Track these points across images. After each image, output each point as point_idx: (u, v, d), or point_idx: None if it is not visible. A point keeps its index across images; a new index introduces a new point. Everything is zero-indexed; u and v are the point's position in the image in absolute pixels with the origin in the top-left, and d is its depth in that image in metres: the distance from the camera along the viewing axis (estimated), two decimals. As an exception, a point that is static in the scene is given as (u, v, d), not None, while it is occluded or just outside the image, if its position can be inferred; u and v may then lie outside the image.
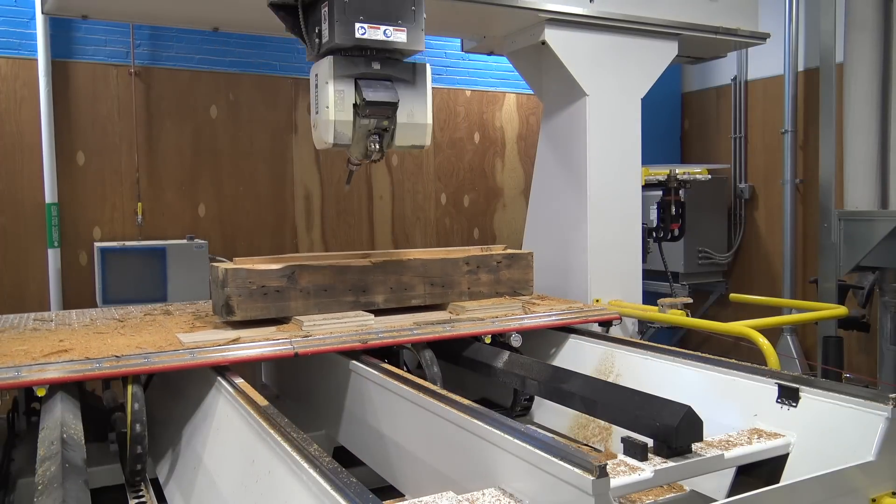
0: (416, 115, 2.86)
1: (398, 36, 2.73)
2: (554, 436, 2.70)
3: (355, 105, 2.72)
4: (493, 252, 3.60)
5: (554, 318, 3.31)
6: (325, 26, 2.72)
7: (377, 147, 2.79)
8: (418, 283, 3.33)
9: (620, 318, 3.51)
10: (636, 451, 1.86)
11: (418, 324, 3.04)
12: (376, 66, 2.77)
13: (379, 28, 2.70)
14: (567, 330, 3.32)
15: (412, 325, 3.01)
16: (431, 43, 6.18)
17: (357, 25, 2.66)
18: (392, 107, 2.76)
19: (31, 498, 1.70)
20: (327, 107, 2.69)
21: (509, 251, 3.65)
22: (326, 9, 2.69)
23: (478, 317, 3.19)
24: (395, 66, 2.82)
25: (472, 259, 3.49)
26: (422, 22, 2.81)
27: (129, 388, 2.46)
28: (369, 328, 2.94)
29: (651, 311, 3.57)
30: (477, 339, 3.08)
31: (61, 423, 2.11)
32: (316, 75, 2.79)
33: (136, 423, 2.40)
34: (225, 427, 2.38)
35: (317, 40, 2.77)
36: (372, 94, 2.71)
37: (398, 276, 3.28)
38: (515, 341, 3.08)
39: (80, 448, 1.99)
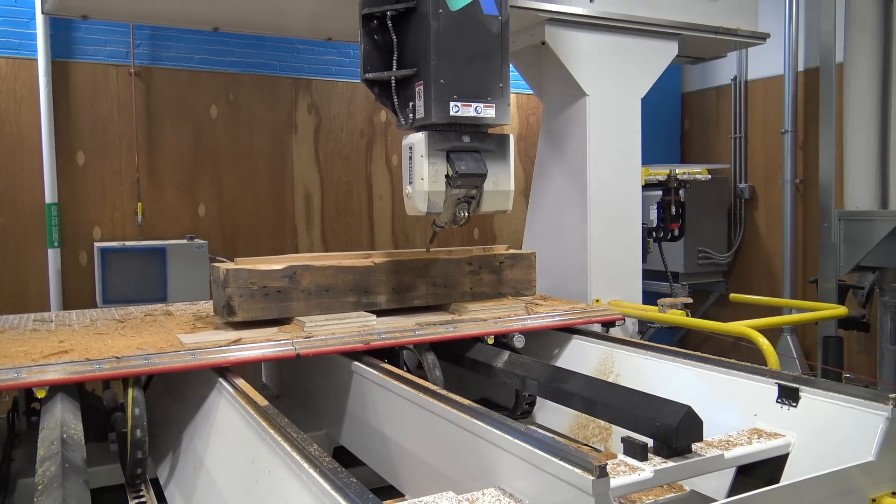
0: (501, 183, 3.07)
1: (487, 112, 2.95)
2: (554, 436, 2.69)
3: (447, 176, 2.92)
4: (495, 252, 3.60)
5: (557, 318, 3.31)
6: (419, 103, 2.91)
7: (465, 215, 3.01)
8: (420, 284, 3.33)
9: (623, 319, 3.51)
10: (636, 451, 1.86)
11: (420, 324, 3.04)
12: (466, 139, 2.97)
13: (470, 105, 2.91)
14: (569, 331, 3.31)
15: (414, 326, 3.01)
16: (431, 43, 6.18)
17: (451, 104, 2.86)
18: (481, 178, 2.97)
19: (31, 498, 1.70)
20: (422, 178, 2.89)
21: (512, 251, 3.65)
22: (422, 87, 2.89)
23: (480, 317, 3.19)
24: (482, 138, 3.02)
25: (474, 259, 3.49)
26: (508, 98, 3.01)
27: (130, 391, 2.45)
28: (371, 329, 2.94)
29: (651, 311, 3.57)
30: (479, 339, 3.07)
31: (61, 423, 2.11)
32: (410, 147, 2.96)
33: (136, 428, 2.39)
34: (225, 428, 2.37)
35: (410, 115, 2.96)
36: (464, 167, 2.91)
37: (400, 277, 3.28)
38: (518, 342, 3.08)
39: (80, 448, 1.99)
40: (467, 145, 2.97)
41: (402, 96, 3.01)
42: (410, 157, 2.96)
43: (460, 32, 2.88)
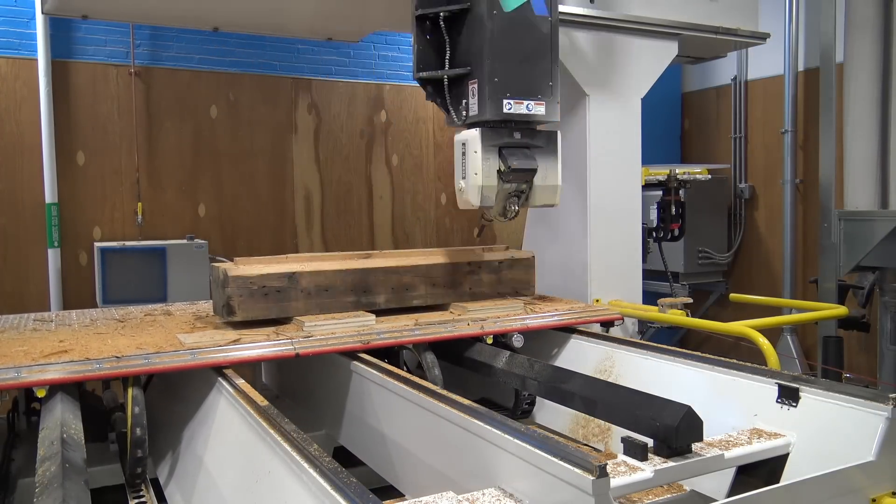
0: (549, 178, 3.14)
1: (538, 109, 3.04)
2: (554, 436, 2.69)
3: (499, 171, 3.01)
4: (494, 252, 3.60)
5: (556, 318, 3.31)
6: (472, 101, 3.01)
7: (515, 208, 3.10)
8: (420, 284, 3.33)
9: (622, 319, 3.51)
10: (636, 451, 1.86)
11: (420, 324, 3.04)
12: (517, 135, 3.06)
13: (522, 103, 3.00)
14: (569, 330, 3.32)
15: (414, 326, 3.01)
16: (431, 43, 6.18)
17: (505, 101, 2.95)
18: (532, 172, 3.06)
19: (31, 498, 1.70)
20: (476, 173, 2.98)
21: (511, 251, 3.65)
22: (476, 85, 2.99)
23: (479, 317, 3.19)
24: (532, 134, 3.11)
25: (473, 259, 3.49)
26: (557, 95, 3.11)
27: (130, 390, 2.45)
28: (370, 328, 2.94)
29: (651, 311, 3.57)
30: (478, 339, 3.08)
31: (61, 423, 2.11)
32: (463, 143, 3.05)
33: (136, 426, 2.39)
34: (225, 427, 2.38)
35: (463, 112, 3.05)
36: (516, 163, 3.00)
37: (399, 277, 3.28)
38: (517, 342, 3.08)
39: (80, 448, 1.99)
40: (518, 141, 3.06)
41: (455, 94, 3.11)
42: (464, 153, 3.05)
43: (513, 33, 2.98)
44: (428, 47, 3.10)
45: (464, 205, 3.09)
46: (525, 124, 3.08)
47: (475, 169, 2.99)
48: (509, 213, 3.11)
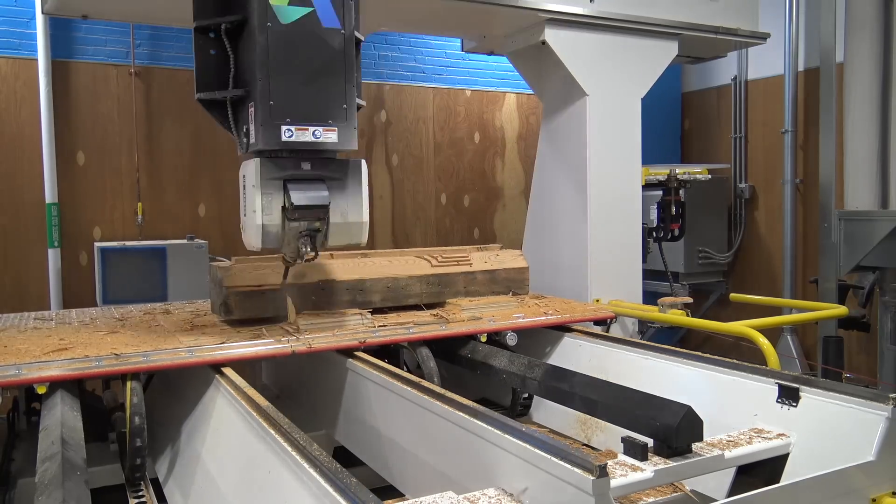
0: (350, 215, 2.73)
1: (329, 136, 2.60)
2: (554, 436, 2.69)
3: (284, 208, 2.61)
4: (489, 251, 3.62)
5: (549, 316, 3.32)
6: (251, 127, 2.60)
7: (307, 249, 2.66)
8: (416, 283, 3.34)
9: (615, 317, 3.51)
10: (636, 451, 1.86)
11: (415, 322, 3.04)
12: (306, 167, 2.65)
13: (307, 129, 2.57)
14: (562, 329, 3.32)
15: (409, 324, 3.02)
16: (431, 43, 6.18)
17: (284, 128, 2.53)
18: (323, 209, 2.66)
19: (31, 498, 1.70)
20: (254, 211, 2.59)
21: (505, 251, 3.67)
22: (252, 109, 2.58)
23: (474, 315, 3.20)
24: (326, 165, 2.69)
25: (468, 258, 3.50)
26: (354, 120, 2.67)
27: (129, 383, 2.46)
28: (366, 327, 2.95)
29: (651, 311, 3.57)
30: (473, 337, 3.08)
31: (61, 422, 2.11)
32: (244, 176, 2.68)
33: (135, 415, 2.40)
34: (224, 426, 2.38)
35: (244, 139, 2.66)
36: (300, 198, 2.60)
37: (395, 276, 3.29)
38: (511, 340, 3.09)
39: (80, 448, 1.99)
40: (308, 173, 2.64)
41: (240, 119, 2.70)
42: (244, 186, 2.67)
43: (294, 48, 2.55)
44: (210, 64, 2.68)
45: (248, 245, 2.69)
46: (315, 153, 2.65)
47: (254, 206, 2.58)
48: (304, 254, 2.67)
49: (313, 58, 2.58)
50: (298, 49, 2.56)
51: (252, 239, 2.64)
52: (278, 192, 2.60)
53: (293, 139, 2.54)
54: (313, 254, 2.70)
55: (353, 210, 2.73)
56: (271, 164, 2.60)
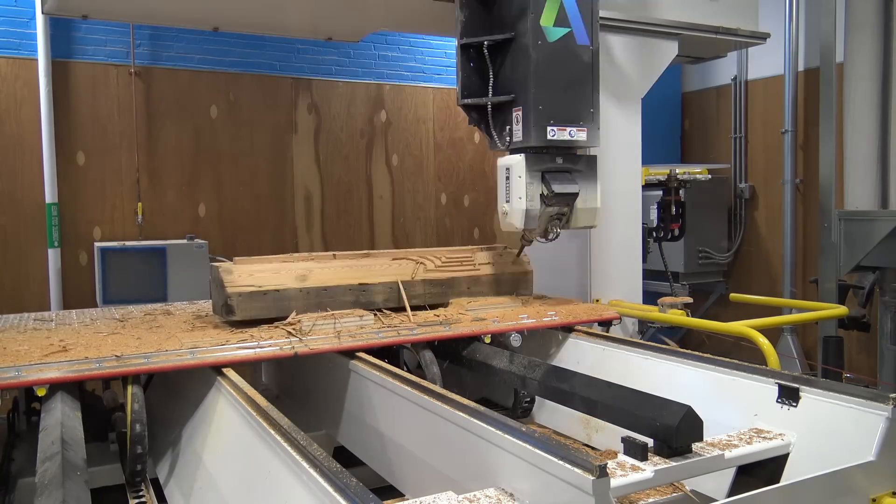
0: (589, 201, 3.28)
1: (580, 135, 3.18)
2: (554, 436, 2.69)
3: (542, 195, 3.15)
4: (492, 252, 3.60)
5: (553, 317, 3.31)
6: (517, 127, 3.13)
7: (557, 230, 3.26)
8: (418, 283, 3.33)
9: (620, 318, 3.51)
10: (636, 451, 1.86)
11: (418, 323, 3.04)
12: (560, 160, 3.19)
13: (566, 129, 3.13)
14: (566, 329, 3.32)
15: (412, 325, 3.01)
16: (431, 43, 6.18)
17: (549, 128, 3.08)
18: (574, 196, 3.20)
19: (31, 498, 1.70)
20: (520, 197, 3.12)
21: (509, 251, 3.65)
22: (521, 112, 3.11)
23: (478, 316, 3.19)
24: (573, 159, 3.25)
25: (472, 259, 3.49)
26: (598, 122, 3.24)
27: (130, 388, 2.46)
28: (369, 328, 2.94)
29: (651, 311, 3.57)
30: (477, 338, 3.08)
31: (61, 423, 2.11)
32: (507, 168, 3.17)
33: (136, 423, 2.39)
34: (225, 427, 2.38)
35: (507, 137, 3.18)
36: (559, 187, 3.13)
37: (398, 276, 3.28)
38: (515, 341, 3.08)
39: (80, 448, 1.99)
40: (560, 166, 3.19)
41: (498, 120, 3.22)
42: (508, 178, 3.17)
43: (556, 62, 3.10)
44: (472, 74, 3.22)
45: (507, 227, 3.20)
46: (566, 149, 3.19)
47: (519, 193, 3.10)
48: (551, 234, 3.26)
49: (570, 70, 3.16)
50: (559, 63, 3.12)
51: (515, 221, 3.16)
52: (538, 182, 3.14)
53: (555, 138, 3.11)
54: (557, 235, 3.28)
55: (590, 197, 3.29)
56: (534, 157, 3.14)
